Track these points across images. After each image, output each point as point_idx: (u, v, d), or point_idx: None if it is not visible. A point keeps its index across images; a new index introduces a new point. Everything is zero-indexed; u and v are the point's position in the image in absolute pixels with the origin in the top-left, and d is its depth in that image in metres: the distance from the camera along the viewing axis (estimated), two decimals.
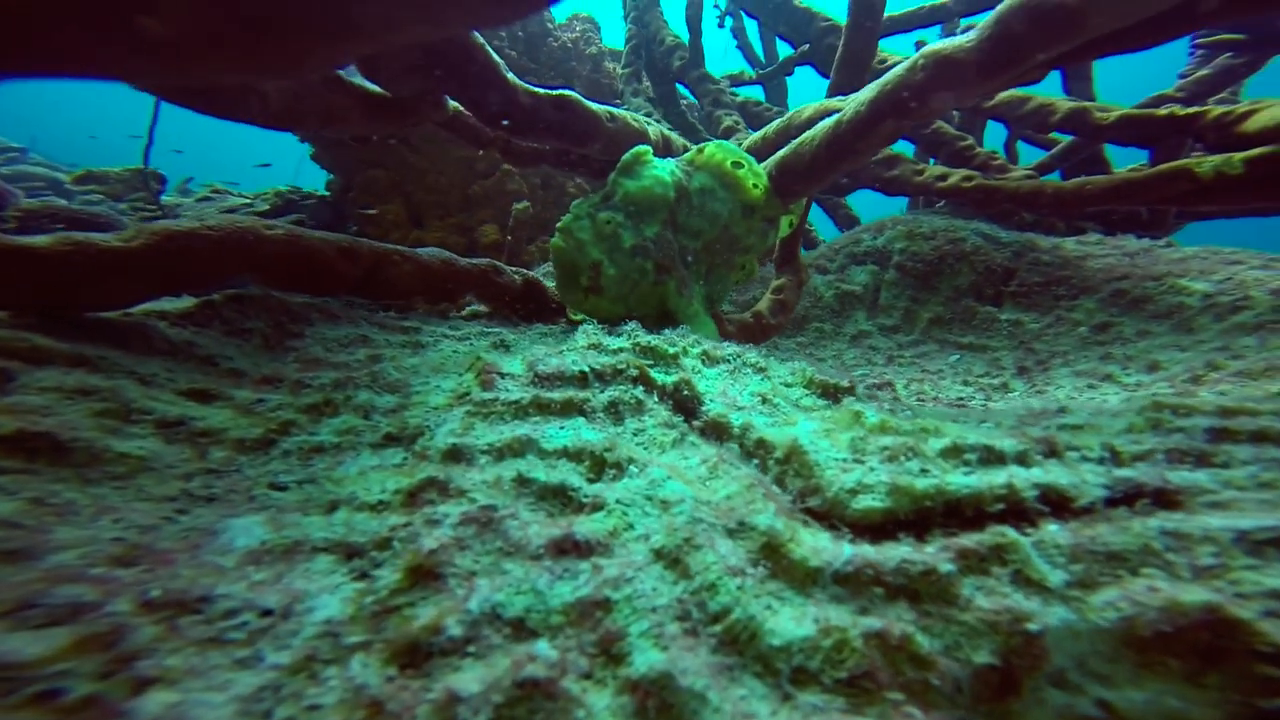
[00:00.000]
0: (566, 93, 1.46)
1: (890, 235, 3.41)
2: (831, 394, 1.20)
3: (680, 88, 4.20)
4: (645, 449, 0.81)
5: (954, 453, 0.72)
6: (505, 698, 0.46)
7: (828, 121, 1.41)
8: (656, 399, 0.93)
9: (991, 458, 0.72)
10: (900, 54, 3.97)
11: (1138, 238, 3.46)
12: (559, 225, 1.38)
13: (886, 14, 3.34)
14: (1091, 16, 0.93)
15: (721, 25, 6.35)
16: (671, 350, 1.03)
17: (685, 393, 0.96)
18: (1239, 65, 4.20)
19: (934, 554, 0.60)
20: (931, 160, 3.82)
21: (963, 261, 3.15)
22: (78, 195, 4.42)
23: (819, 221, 5.83)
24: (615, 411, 0.86)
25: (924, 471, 0.69)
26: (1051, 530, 0.61)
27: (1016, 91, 3.15)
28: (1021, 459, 0.72)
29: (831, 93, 2.77)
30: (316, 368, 0.86)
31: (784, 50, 4.42)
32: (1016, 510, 0.64)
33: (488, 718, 0.45)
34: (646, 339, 1.03)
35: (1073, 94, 4.27)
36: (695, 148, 1.56)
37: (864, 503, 0.66)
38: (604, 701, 0.48)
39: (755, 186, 1.61)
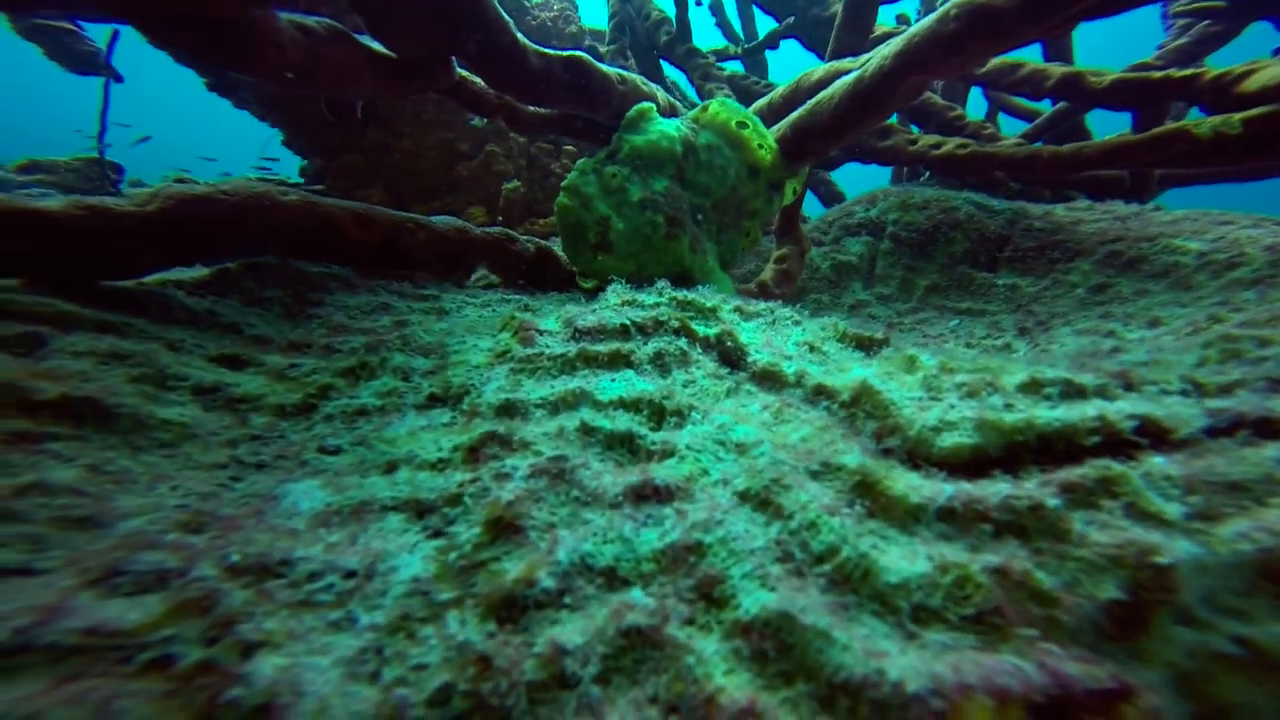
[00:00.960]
0: (578, 53, 1.39)
1: (883, 206, 3.40)
2: (866, 345, 1.17)
3: (664, 64, 4.13)
4: (701, 399, 0.77)
5: (1033, 387, 0.70)
6: (610, 648, 0.42)
7: (847, 79, 1.37)
8: (700, 350, 0.89)
9: (1073, 391, 0.69)
10: (884, 24, 3.93)
11: (1125, 203, 3.50)
12: (564, 184, 1.32)
13: None
14: None
15: (699, 3, 6.25)
16: (709, 304, 0.99)
17: (729, 344, 0.92)
18: (1217, 32, 4.25)
19: (1037, 489, 0.57)
20: (914, 128, 3.81)
21: (957, 230, 3.15)
22: (16, 187, 4.16)
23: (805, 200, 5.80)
24: (661, 363, 0.82)
25: (1008, 406, 0.66)
26: (1158, 463, 0.58)
27: (1007, 59, 3.14)
28: (1102, 392, 0.70)
29: (832, 56, 2.72)
30: (344, 333, 0.80)
31: (763, 27, 4.37)
32: (1113, 444, 0.62)
33: (596, 669, 0.41)
34: (681, 294, 0.99)
35: (1055, 59, 4.28)
36: (700, 105, 1.51)
37: (951, 439, 0.63)
38: (713, 646, 0.44)
39: (761, 148, 1.56)
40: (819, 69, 1.87)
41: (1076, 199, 3.84)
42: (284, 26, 1.01)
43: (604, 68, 1.42)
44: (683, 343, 0.86)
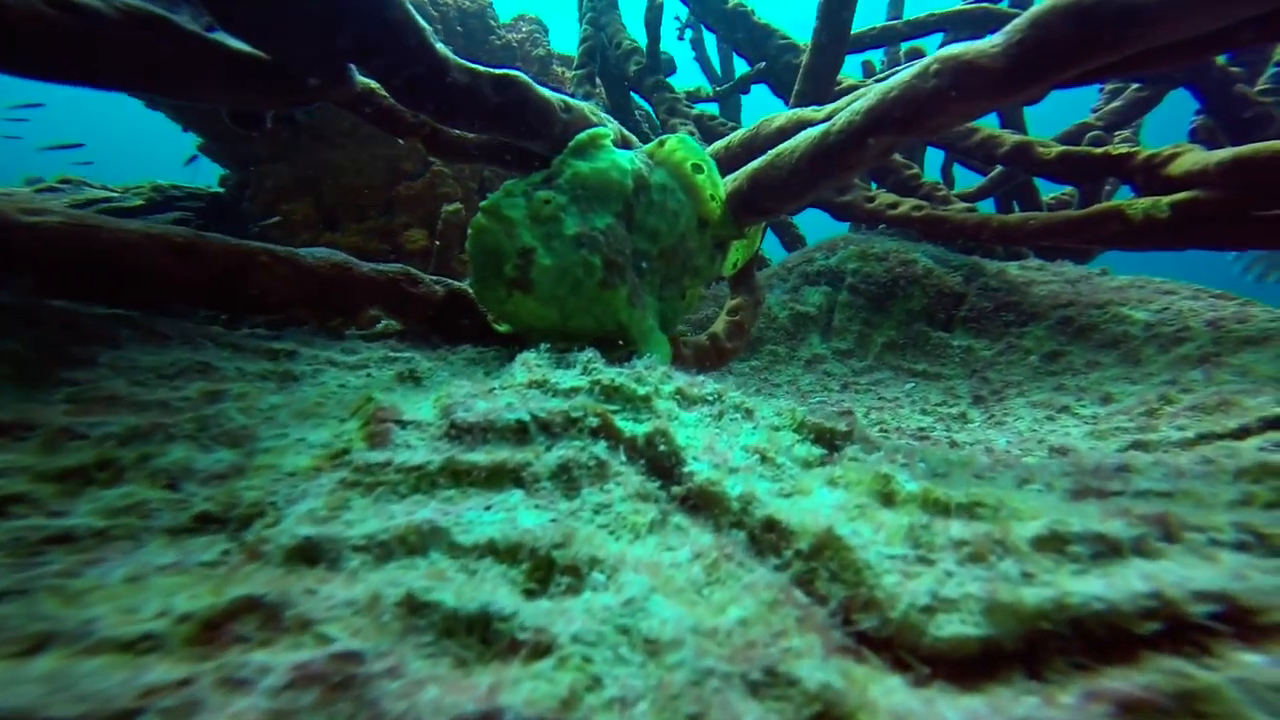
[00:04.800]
0: (513, 72, 1.19)
1: (843, 255, 3.34)
2: (827, 440, 1.00)
3: (635, 96, 4.03)
4: (613, 537, 0.57)
5: (1055, 543, 0.53)
6: None
7: (813, 133, 1.23)
8: (624, 458, 0.70)
9: (1107, 549, 0.52)
10: (850, 77, 3.96)
11: (1075, 263, 3.55)
12: (483, 203, 1.11)
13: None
14: (1156, 26, 0.78)
15: (681, 37, 6.25)
16: (641, 390, 0.79)
17: (662, 447, 0.72)
18: (1145, 96, 4.50)
19: (1078, 705, 0.39)
20: (874, 185, 3.81)
21: (915, 285, 3.10)
22: None
23: (765, 241, 5.79)
24: (568, 479, 0.62)
25: (1026, 576, 0.49)
26: (1255, 664, 0.41)
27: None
28: (1142, 548, 0.53)
29: (796, 103, 2.65)
30: (104, 410, 0.56)
31: (741, 67, 4.34)
32: (1175, 630, 0.45)
33: None
34: (609, 374, 0.79)
35: (1005, 125, 4.41)
36: (656, 140, 1.35)
37: (952, 629, 0.45)
38: None
39: (712, 199, 1.41)
40: (781, 115, 1.76)
41: (1027, 256, 3.91)
42: None
43: (545, 91, 1.25)
44: (601, 449, 0.66)
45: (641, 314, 1.26)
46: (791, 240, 5.23)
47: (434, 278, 1.19)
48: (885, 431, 2.25)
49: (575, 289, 1.15)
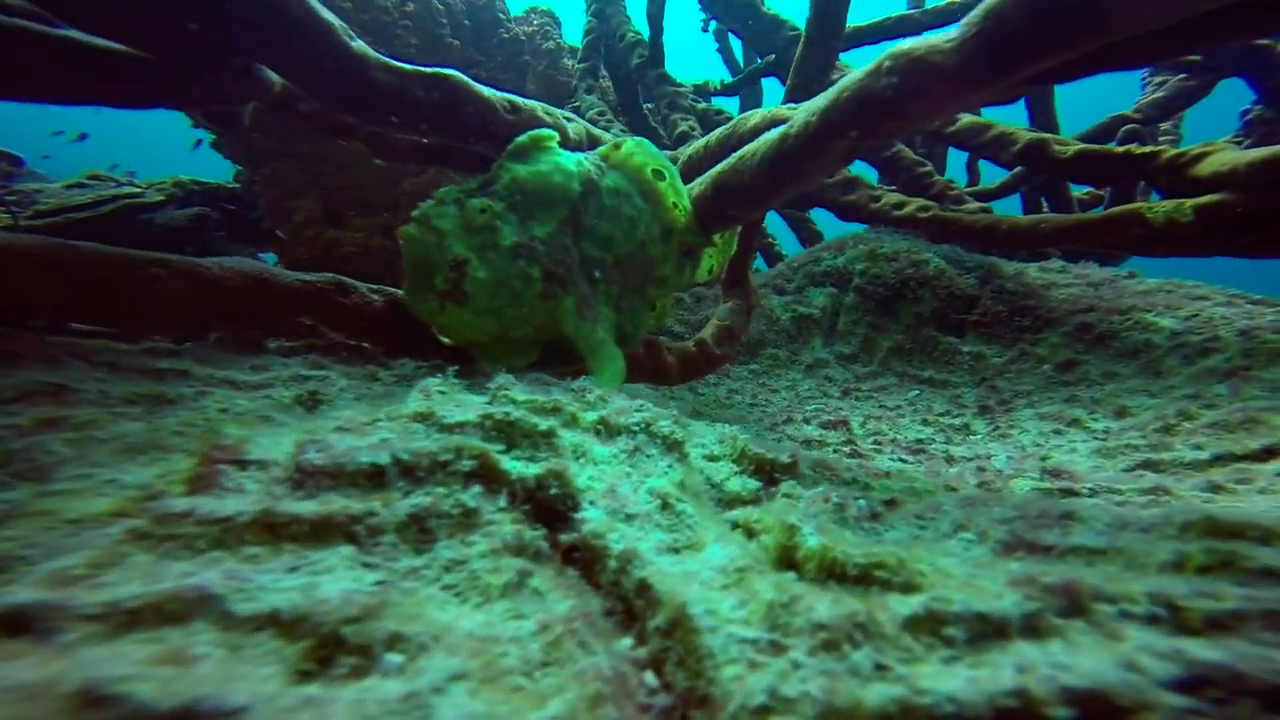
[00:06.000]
0: (446, 71, 1.13)
1: (851, 255, 3.21)
2: (767, 472, 0.94)
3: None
4: (454, 601, 0.52)
5: (929, 624, 0.46)
6: None
7: (773, 134, 1.15)
8: (505, 503, 0.64)
9: (988, 631, 0.45)
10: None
11: (1100, 265, 3.35)
12: (415, 212, 1.06)
13: (849, 25, 3.16)
14: (1116, 16, 0.69)
15: (705, 29, 6.13)
16: (544, 424, 0.74)
17: (555, 490, 0.67)
18: (1192, 86, 4.21)
19: None
20: (873, 178, 3.65)
21: (925, 287, 2.96)
22: None
23: (782, 236, 5.66)
24: (420, 531, 0.57)
25: (880, 669, 0.42)
26: None
27: (977, 118, 2.99)
28: (1033, 627, 0.46)
29: (788, 99, 2.54)
30: None
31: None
32: None
33: None
34: (505, 409, 0.74)
35: (1035, 118, 4.19)
36: (610, 142, 1.28)
37: None
38: None
39: (676, 206, 1.33)
40: (757, 113, 1.67)
41: (1051, 257, 3.70)
42: None
43: (485, 90, 1.19)
44: (470, 495, 0.61)
45: (591, 326, 1.20)
46: (808, 236, 5.09)
47: (373, 286, 1.15)
48: (880, 444, 2.15)
49: (513, 301, 1.10)
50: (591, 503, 0.69)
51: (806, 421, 2.37)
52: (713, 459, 1.00)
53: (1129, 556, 0.60)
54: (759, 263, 5.03)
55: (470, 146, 1.24)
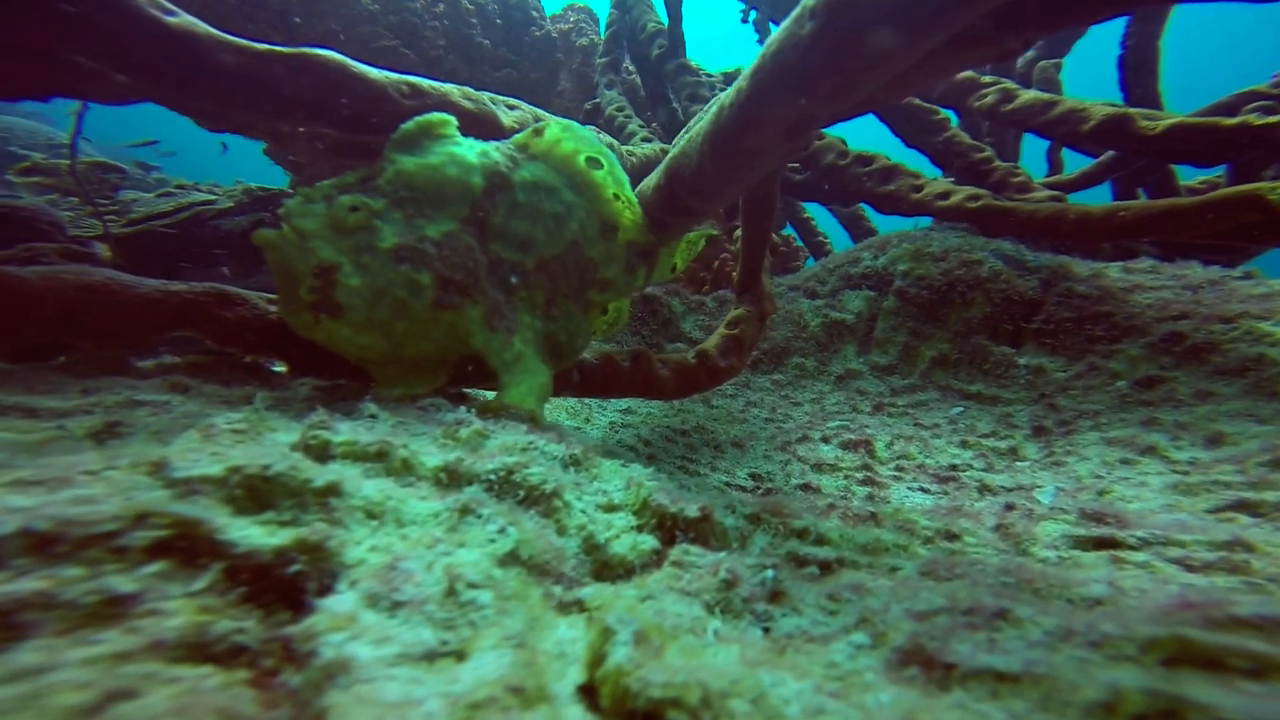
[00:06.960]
0: (317, 50, 0.99)
1: (894, 254, 2.87)
2: (669, 530, 0.76)
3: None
4: None
5: None
6: None
7: (709, 108, 0.95)
8: (206, 583, 0.50)
9: None
10: None
11: (1204, 264, 2.82)
12: (280, 210, 0.95)
13: None
14: None
15: (745, 20, 5.89)
16: (320, 480, 0.58)
17: (296, 567, 0.53)
18: None
19: None
20: (927, 169, 3.25)
21: (977, 290, 2.59)
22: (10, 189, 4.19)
23: (835, 235, 5.29)
24: (7, 629, 0.43)
25: None
26: None
27: (1040, 93, 2.58)
28: None
29: None
30: None
31: None
32: None
33: None
34: (268, 462, 0.59)
35: (1131, 90, 3.62)
36: (530, 128, 1.11)
37: None
38: None
39: (618, 199, 1.14)
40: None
41: (1141, 255, 3.17)
42: None
43: (372, 72, 1.05)
44: (131, 577, 0.47)
45: (505, 338, 1.04)
46: (861, 234, 4.71)
47: (268, 297, 1.05)
48: (903, 470, 1.86)
49: (399, 312, 0.96)
50: (353, 583, 0.53)
51: (825, 440, 2.11)
52: (611, 509, 0.82)
53: (1047, 690, 0.39)
54: (810, 262, 4.70)
55: (367, 138, 1.11)
